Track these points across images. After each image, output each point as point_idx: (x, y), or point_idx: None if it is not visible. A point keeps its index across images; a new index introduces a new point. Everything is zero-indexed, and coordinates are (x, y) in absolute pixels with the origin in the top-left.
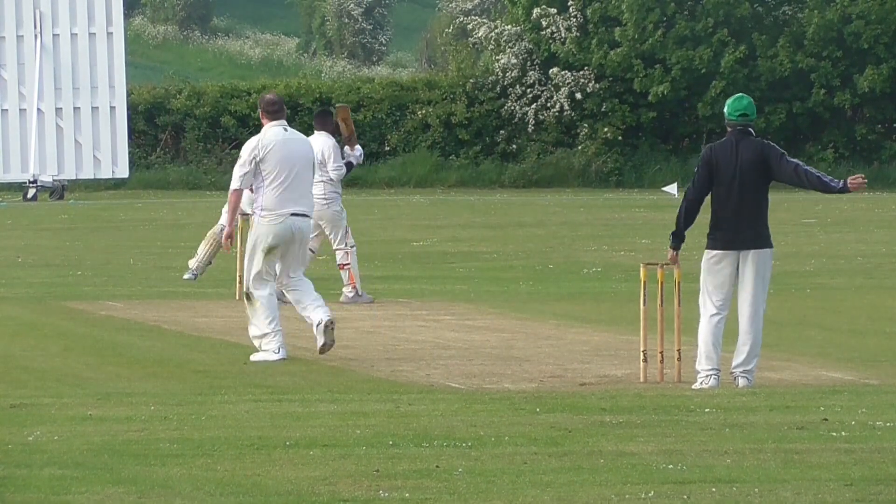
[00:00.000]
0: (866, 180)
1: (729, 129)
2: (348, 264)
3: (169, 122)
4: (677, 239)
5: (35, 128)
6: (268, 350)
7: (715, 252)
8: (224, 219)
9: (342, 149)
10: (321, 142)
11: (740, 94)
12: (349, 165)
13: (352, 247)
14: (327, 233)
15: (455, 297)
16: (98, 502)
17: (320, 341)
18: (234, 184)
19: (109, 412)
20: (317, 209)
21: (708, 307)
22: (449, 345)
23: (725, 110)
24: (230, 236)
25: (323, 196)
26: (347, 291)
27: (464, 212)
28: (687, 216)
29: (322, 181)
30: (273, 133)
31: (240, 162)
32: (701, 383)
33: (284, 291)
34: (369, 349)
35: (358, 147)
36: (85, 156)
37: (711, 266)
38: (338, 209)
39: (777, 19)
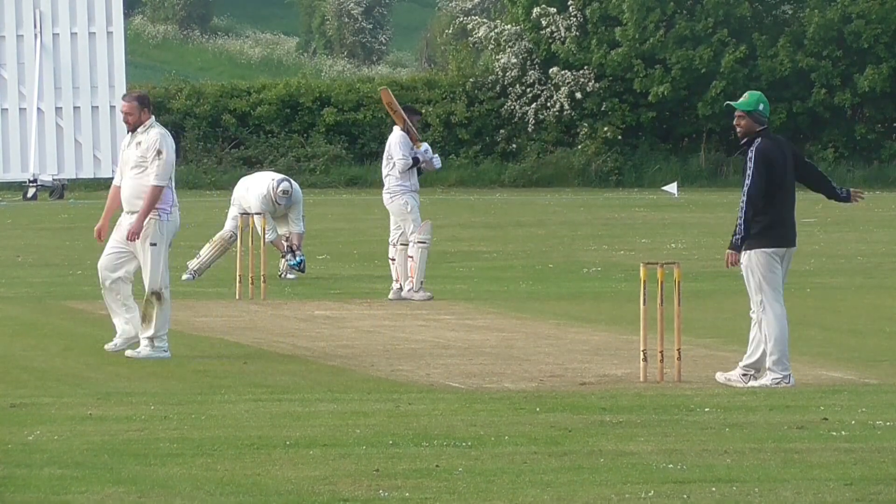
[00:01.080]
0: (864, 197)
1: (763, 128)
2: (394, 260)
3: (169, 121)
4: (744, 241)
5: (35, 127)
6: (159, 348)
7: (776, 249)
8: (138, 219)
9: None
10: (392, 136)
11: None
12: (415, 161)
13: (418, 242)
14: (397, 225)
15: (455, 296)
16: (98, 502)
17: (116, 344)
18: (163, 181)
19: (109, 412)
20: (385, 201)
21: (776, 307)
22: (449, 344)
23: (761, 108)
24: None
25: (388, 190)
26: (397, 286)
27: (464, 211)
28: (755, 216)
29: (390, 174)
30: (165, 130)
31: (169, 158)
32: (779, 383)
33: (107, 286)
34: (369, 349)
35: (424, 144)
36: (85, 155)
37: (774, 264)
38: (402, 202)
39: (777, 19)
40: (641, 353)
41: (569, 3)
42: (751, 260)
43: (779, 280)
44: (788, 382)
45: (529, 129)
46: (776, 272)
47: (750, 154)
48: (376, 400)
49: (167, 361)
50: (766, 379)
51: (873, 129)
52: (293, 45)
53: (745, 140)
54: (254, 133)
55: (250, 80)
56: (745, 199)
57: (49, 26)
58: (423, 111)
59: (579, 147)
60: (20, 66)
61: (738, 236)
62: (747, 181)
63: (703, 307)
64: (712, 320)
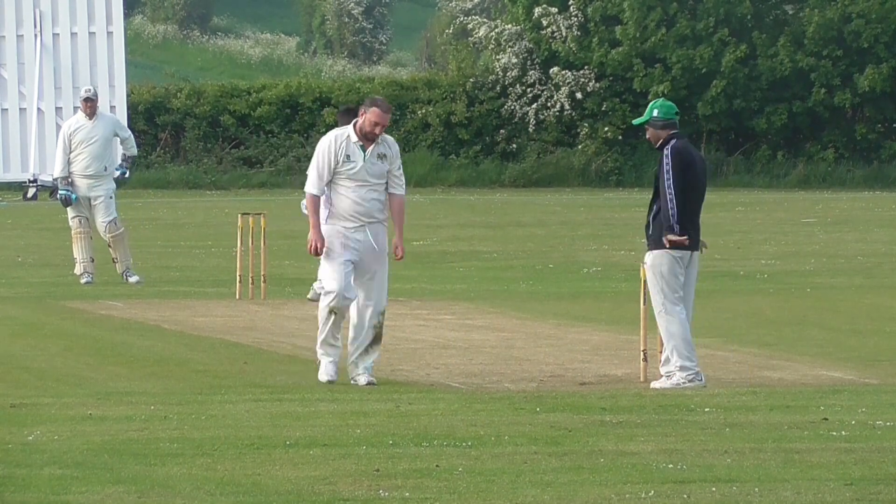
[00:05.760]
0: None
1: (673, 131)
2: None
3: (169, 121)
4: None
5: (35, 127)
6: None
7: (680, 253)
8: (401, 236)
9: None
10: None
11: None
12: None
13: None
14: None
15: (455, 296)
16: (98, 502)
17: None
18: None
19: (109, 412)
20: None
21: (675, 309)
22: (449, 344)
23: (655, 113)
24: None
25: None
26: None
27: (464, 211)
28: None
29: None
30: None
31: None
32: (692, 380)
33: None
34: None
35: None
36: None
37: (677, 267)
38: None
39: (777, 18)
40: (641, 353)
41: (569, 2)
42: (654, 260)
43: (680, 283)
44: (700, 380)
45: (530, 129)
46: (678, 276)
47: (666, 152)
48: (376, 400)
49: (167, 361)
50: (676, 378)
51: (873, 129)
52: (293, 45)
53: (659, 146)
54: (254, 133)
55: (250, 80)
56: (671, 193)
57: (49, 26)
58: (423, 111)
59: (579, 147)
60: (20, 66)
61: (674, 221)
62: (667, 180)
63: (703, 307)
64: (711, 320)
